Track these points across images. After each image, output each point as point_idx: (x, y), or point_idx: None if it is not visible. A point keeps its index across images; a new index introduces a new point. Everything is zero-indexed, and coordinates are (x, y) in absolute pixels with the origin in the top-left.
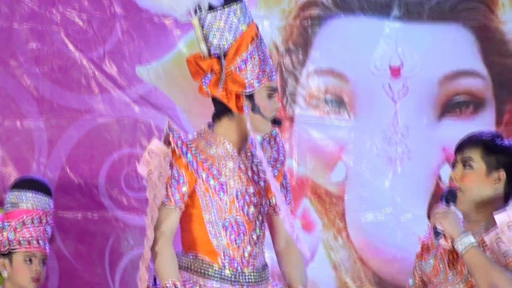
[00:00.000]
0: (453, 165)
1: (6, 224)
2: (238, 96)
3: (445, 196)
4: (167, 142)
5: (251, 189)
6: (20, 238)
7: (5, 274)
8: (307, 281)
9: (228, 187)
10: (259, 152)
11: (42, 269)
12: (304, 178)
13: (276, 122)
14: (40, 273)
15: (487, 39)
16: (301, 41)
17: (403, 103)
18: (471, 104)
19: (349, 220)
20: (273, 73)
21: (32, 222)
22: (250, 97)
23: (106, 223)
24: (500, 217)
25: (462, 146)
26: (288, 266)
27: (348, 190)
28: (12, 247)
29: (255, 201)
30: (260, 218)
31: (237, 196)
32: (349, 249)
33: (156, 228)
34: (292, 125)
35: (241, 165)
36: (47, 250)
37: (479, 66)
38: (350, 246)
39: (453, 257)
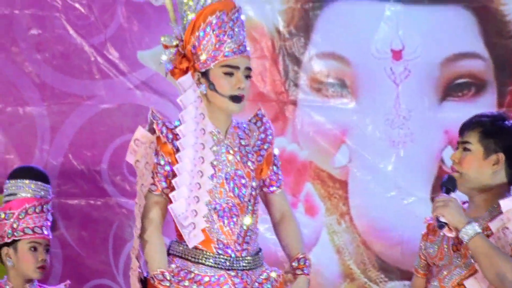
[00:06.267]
0: (456, 148)
1: (8, 213)
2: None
3: (444, 184)
4: (152, 130)
5: (240, 171)
6: (24, 227)
7: (9, 264)
8: (304, 248)
9: (216, 170)
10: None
11: (47, 257)
12: (307, 162)
13: (233, 98)
14: (45, 261)
15: (488, 20)
16: (303, 24)
17: (405, 85)
18: (472, 86)
19: (353, 204)
20: (234, 50)
21: (35, 210)
22: (206, 75)
23: (109, 210)
24: (506, 204)
25: (462, 130)
26: (286, 237)
27: (351, 173)
28: (16, 236)
29: (245, 183)
30: (252, 200)
31: (226, 179)
32: (353, 233)
33: (144, 216)
34: (295, 109)
35: (228, 148)
36: (50, 238)
37: (480, 48)
38: (353, 230)
39: (458, 240)
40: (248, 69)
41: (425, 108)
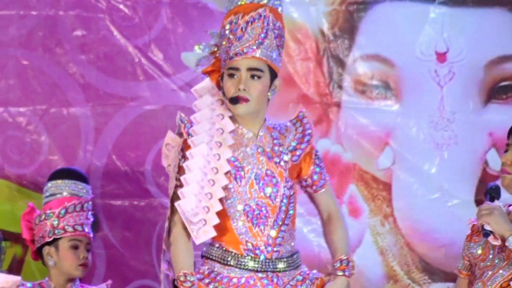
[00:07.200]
0: (506, 150)
1: (48, 213)
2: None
3: (489, 192)
4: (181, 134)
5: (270, 171)
6: (65, 225)
7: (51, 263)
8: (349, 251)
9: (245, 171)
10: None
11: (88, 255)
12: (351, 164)
13: (231, 100)
14: (87, 258)
15: None
16: (347, 26)
17: (449, 88)
18: None
19: (396, 205)
20: (236, 52)
21: (75, 209)
22: (222, 79)
23: (153, 211)
24: None
25: None
26: (331, 238)
27: (395, 175)
28: (57, 234)
29: (277, 183)
30: (286, 200)
31: (256, 179)
32: (396, 235)
33: (170, 219)
34: (339, 111)
35: (259, 149)
36: (91, 236)
37: None
38: (397, 231)
39: (504, 243)
40: (252, 69)
41: (469, 110)
